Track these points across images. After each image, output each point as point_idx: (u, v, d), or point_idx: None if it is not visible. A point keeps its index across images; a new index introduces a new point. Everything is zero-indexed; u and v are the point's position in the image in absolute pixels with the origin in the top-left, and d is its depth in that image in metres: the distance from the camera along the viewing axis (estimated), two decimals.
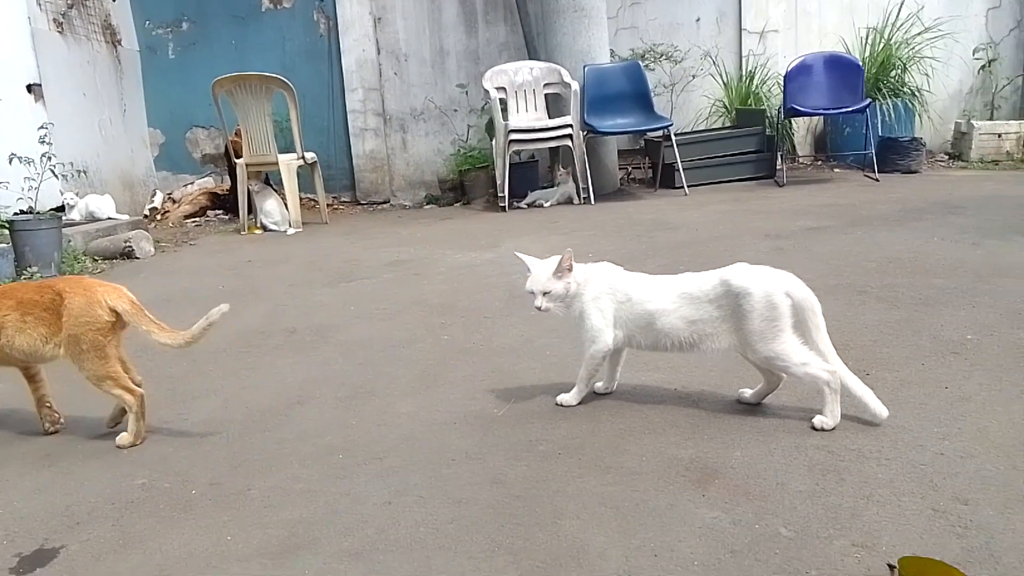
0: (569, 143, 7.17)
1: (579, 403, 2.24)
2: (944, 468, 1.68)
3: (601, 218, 6.28)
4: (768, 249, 4.28)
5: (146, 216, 8.29)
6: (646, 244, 4.79)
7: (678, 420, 2.07)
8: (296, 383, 2.69)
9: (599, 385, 2.31)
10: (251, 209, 6.99)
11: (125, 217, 6.68)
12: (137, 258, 5.85)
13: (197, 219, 8.30)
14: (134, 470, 2.04)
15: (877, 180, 6.96)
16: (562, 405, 2.24)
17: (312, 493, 1.82)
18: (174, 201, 8.72)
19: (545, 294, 2.18)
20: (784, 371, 2.02)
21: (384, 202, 8.89)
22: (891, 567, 1.32)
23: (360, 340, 3.18)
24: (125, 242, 5.90)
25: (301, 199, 7.44)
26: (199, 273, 5.10)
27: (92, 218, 6.66)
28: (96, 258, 5.90)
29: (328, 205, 8.48)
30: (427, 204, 8.50)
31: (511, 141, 7.04)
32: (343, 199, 9.01)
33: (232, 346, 3.23)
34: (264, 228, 6.89)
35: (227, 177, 8.15)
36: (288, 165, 6.71)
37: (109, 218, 6.67)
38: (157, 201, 8.58)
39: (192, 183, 9.02)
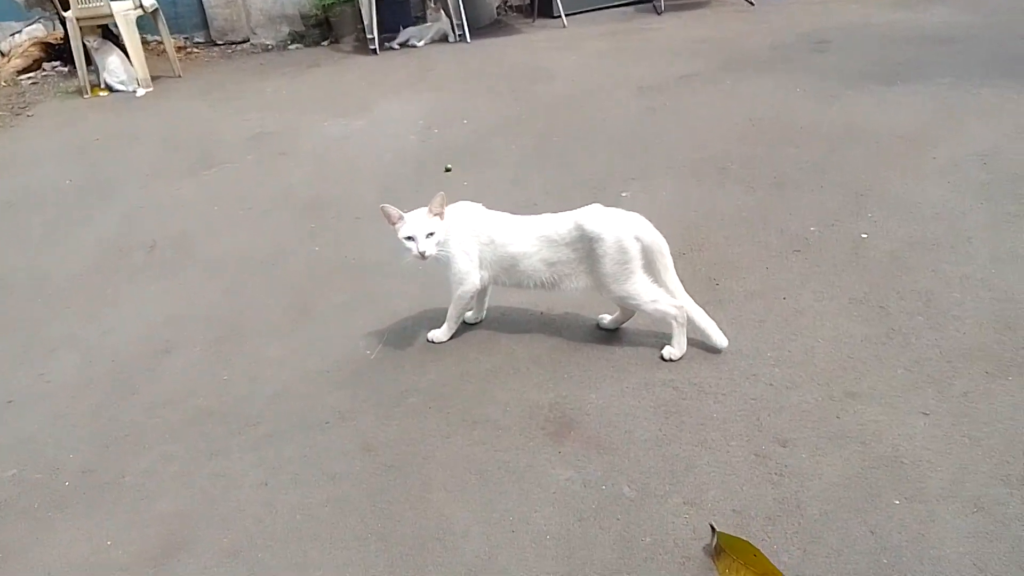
0: None
1: (449, 339, 2.32)
2: (771, 402, 1.88)
3: (476, 64, 6.07)
4: (640, 110, 4.29)
5: None
6: (523, 104, 4.71)
7: (541, 356, 2.18)
8: (161, 321, 2.64)
9: (469, 315, 2.39)
10: (90, 61, 6.35)
11: None
12: None
13: (32, 75, 7.53)
14: (2, 458, 2.03)
15: (752, 4, 6.91)
16: (433, 342, 2.32)
17: (186, 477, 1.88)
18: (2, 55, 7.82)
19: (429, 235, 2.14)
20: (636, 308, 2.13)
21: (243, 41, 8.27)
22: (712, 528, 1.51)
23: (225, 256, 3.11)
24: None
25: (149, 43, 6.81)
26: (41, 161, 4.72)
27: None
28: None
29: (180, 49, 7.82)
30: (291, 44, 7.96)
31: None
32: (197, 40, 8.31)
33: (90, 271, 3.10)
34: (109, 88, 6.33)
35: (59, 24, 7.32)
36: (125, 17, 6.09)
37: None
38: None
39: (20, 31, 8.07)
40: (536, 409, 1.96)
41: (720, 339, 2.10)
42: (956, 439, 1.70)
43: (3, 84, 7.36)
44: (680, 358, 2.09)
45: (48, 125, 5.59)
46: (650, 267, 2.11)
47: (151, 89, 6.27)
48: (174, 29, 8.05)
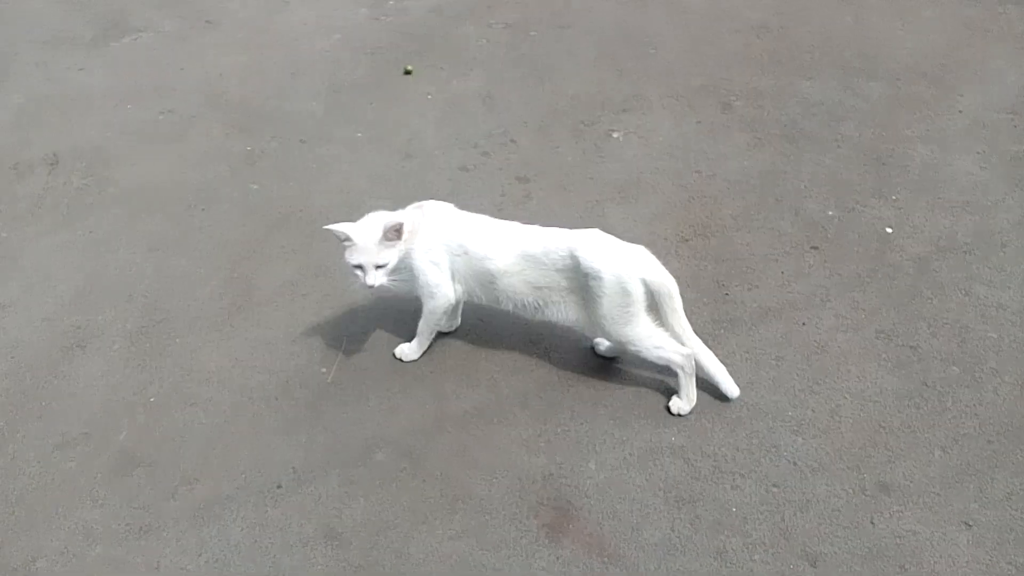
0: None
1: (420, 356, 1.97)
2: (796, 491, 1.64)
3: None
4: None
5: None
6: None
7: (529, 394, 1.87)
8: (71, 296, 2.19)
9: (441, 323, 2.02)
10: None
11: None
12: None
13: None
14: None
15: None
16: (402, 360, 1.97)
17: (113, 566, 1.56)
18: None
19: (379, 267, 1.75)
20: (637, 355, 1.81)
21: None
22: None
23: (145, 188, 2.59)
24: None
25: None
26: None
27: None
28: None
29: None
30: None
31: None
32: None
33: None
34: None
35: None
36: None
37: None
38: None
39: None
40: (527, 483, 1.68)
41: (732, 389, 1.82)
42: (1001, 567, 1.50)
43: None
44: (689, 412, 1.81)
45: None
46: (655, 309, 1.77)
47: None
48: None
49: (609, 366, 1.94)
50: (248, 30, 3.57)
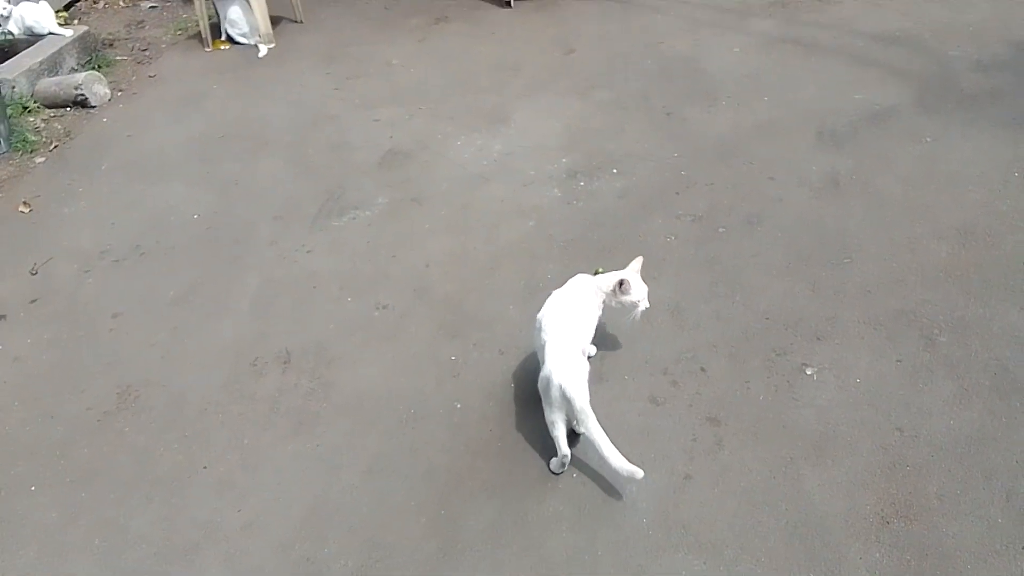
0: None
1: None
2: None
3: (624, 40, 5.35)
4: (821, 180, 3.69)
5: None
6: (679, 142, 4.12)
7: None
8: (300, 521, 2.43)
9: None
10: None
11: (69, 33, 5.69)
12: (92, 106, 5.11)
13: None
14: None
15: None
16: None
17: None
18: None
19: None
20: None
21: None
22: None
23: (362, 400, 2.83)
24: (76, 88, 5.12)
25: None
26: (167, 165, 4.44)
27: (31, 33, 5.70)
28: (46, 107, 5.14)
29: None
30: None
31: None
32: None
33: (220, 398, 2.88)
34: (231, 40, 5.91)
35: None
36: None
37: (51, 33, 5.69)
38: None
39: None
40: None
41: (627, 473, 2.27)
42: None
43: (123, 4, 7.02)
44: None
45: (170, 97, 5.26)
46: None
47: (273, 46, 5.81)
48: None
49: None
50: (451, 207, 3.84)
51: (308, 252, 3.62)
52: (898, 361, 2.74)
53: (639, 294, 2.61)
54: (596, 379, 2.65)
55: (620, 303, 2.62)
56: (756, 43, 5.11)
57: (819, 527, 2.24)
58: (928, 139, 3.92)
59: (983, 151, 3.76)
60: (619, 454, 2.29)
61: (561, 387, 2.32)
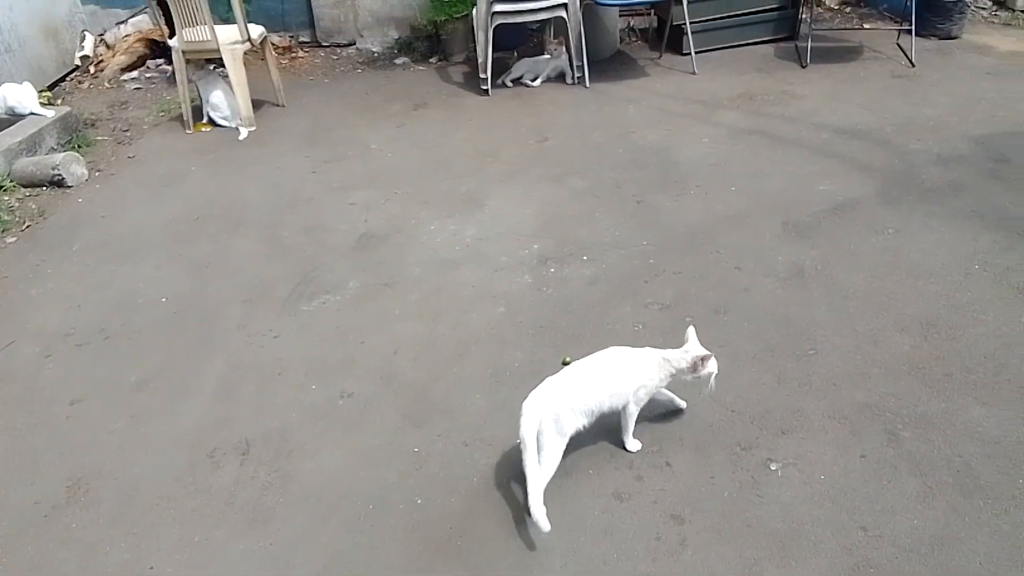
0: (564, 14, 6.08)
1: None
2: None
3: (597, 129, 5.52)
4: (787, 271, 3.72)
5: (78, 67, 7.25)
6: (649, 231, 4.14)
7: None
8: None
9: None
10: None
11: (51, 113, 5.74)
12: (69, 186, 5.13)
13: (136, 73, 7.28)
14: None
15: (913, 65, 6.03)
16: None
17: None
18: (108, 47, 7.56)
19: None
20: None
21: (349, 44, 7.80)
22: None
23: (322, 488, 2.75)
24: (53, 169, 5.14)
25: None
26: (139, 246, 4.43)
27: (13, 113, 5.75)
28: (23, 186, 5.15)
29: (285, 50, 7.44)
30: (398, 54, 7.45)
31: (495, 13, 5.92)
32: (302, 40, 7.87)
33: (174, 492, 2.79)
34: (212, 123, 5.99)
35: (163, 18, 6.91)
36: (233, 53, 5.67)
37: (32, 113, 5.75)
38: (88, 47, 7.46)
39: (126, 21, 7.79)
40: None
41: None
42: None
43: (107, 84, 7.13)
44: None
45: (148, 177, 5.29)
46: None
47: (254, 128, 5.89)
48: (279, 26, 7.67)
49: None
50: (422, 291, 3.84)
51: (276, 337, 3.58)
52: (862, 457, 2.71)
53: (713, 366, 2.68)
54: (561, 473, 2.60)
55: (697, 377, 2.69)
56: (724, 134, 5.24)
57: None
58: (890, 231, 3.99)
59: (944, 243, 3.83)
60: (540, 501, 2.40)
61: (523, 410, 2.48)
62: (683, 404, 2.91)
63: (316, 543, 2.57)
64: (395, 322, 3.62)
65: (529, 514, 2.43)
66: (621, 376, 2.65)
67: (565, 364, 3.19)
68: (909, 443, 2.75)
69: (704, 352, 2.67)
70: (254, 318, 3.72)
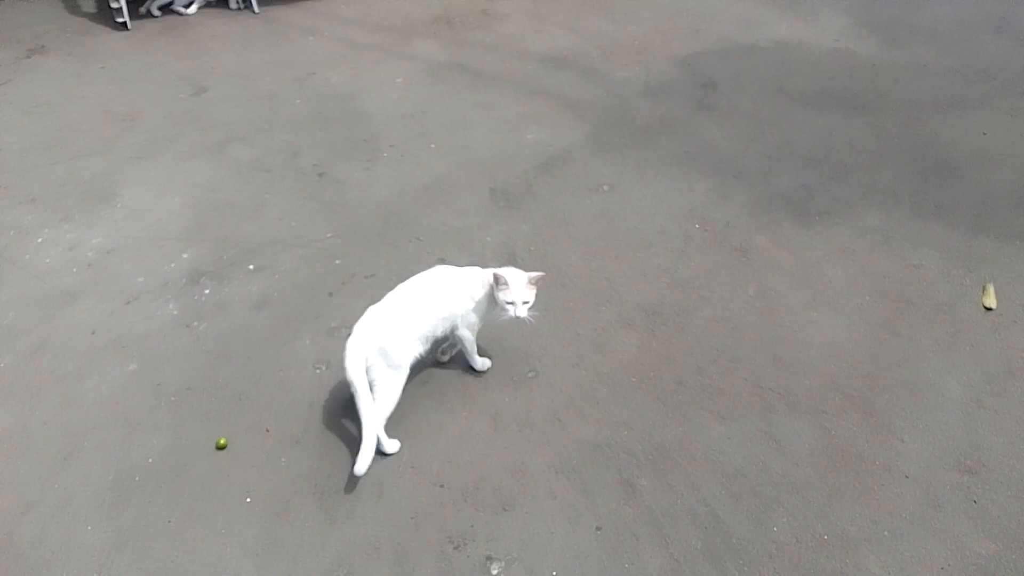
0: None
1: None
2: None
3: (268, 74, 4.37)
4: (498, 258, 2.95)
5: None
6: (337, 216, 3.18)
7: None
8: None
9: None
10: None
11: None
12: None
13: None
14: None
15: None
16: None
17: None
18: None
19: (525, 303, 2.25)
20: None
21: None
22: None
23: None
24: None
25: None
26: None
27: None
28: None
29: None
30: None
31: None
32: None
33: None
34: None
35: None
36: None
37: None
38: None
39: None
40: None
41: (360, 467, 2.09)
42: None
43: None
44: None
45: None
46: None
47: None
48: None
49: None
50: (14, 354, 2.65)
51: None
52: (598, 529, 2.10)
53: (519, 293, 2.25)
54: None
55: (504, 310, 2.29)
56: (420, 71, 4.32)
57: None
58: (605, 188, 3.39)
59: (661, 199, 3.31)
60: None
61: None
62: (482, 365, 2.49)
63: None
64: None
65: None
66: (447, 297, 2.28)
67: (221, 448, 2.28)
68: (648, 495, 2.18)
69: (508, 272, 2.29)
70: None
